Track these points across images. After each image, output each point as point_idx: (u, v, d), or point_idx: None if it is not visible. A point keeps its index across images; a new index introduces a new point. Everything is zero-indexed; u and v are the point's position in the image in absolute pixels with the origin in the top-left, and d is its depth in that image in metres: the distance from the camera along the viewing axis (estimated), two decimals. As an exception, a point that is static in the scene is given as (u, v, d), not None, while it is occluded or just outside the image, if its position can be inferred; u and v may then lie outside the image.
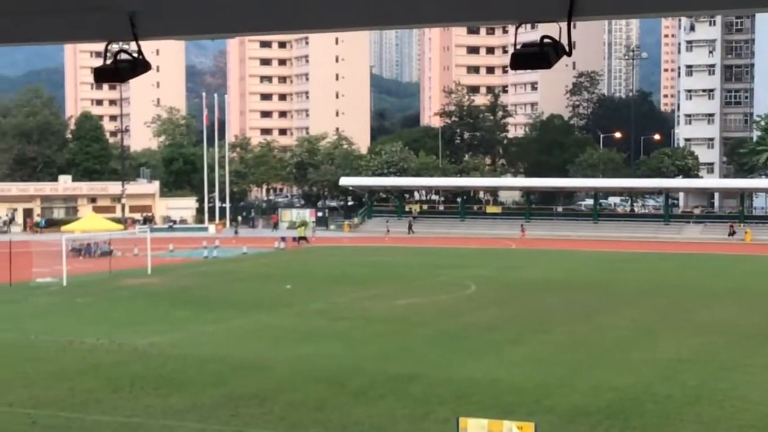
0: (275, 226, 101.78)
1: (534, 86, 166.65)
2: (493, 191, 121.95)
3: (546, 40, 7.71)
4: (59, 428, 22.42)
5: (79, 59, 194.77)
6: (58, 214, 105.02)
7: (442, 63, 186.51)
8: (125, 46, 8.64)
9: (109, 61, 7.94)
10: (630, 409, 24.08)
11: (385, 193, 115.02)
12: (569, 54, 7.77)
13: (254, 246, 79.93)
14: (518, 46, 7.96)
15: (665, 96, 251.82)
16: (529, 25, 7.81)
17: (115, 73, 8.23)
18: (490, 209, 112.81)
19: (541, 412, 23.06)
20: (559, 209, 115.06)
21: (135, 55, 7.89)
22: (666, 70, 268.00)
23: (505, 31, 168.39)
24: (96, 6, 7.41)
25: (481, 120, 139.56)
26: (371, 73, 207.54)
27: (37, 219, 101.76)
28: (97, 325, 38.14)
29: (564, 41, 7.72)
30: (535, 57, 7.89)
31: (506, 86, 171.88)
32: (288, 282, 53.76)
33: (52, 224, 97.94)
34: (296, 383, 27.31)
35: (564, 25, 7.49)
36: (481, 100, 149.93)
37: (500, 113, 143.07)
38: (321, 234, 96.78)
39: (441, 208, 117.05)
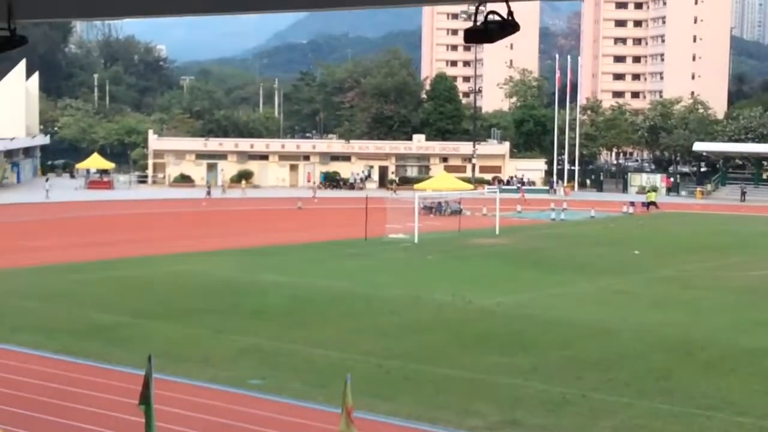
0: (670, 190, 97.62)
1: None
2: None
3: None
4: (410, 379, 23.17)
5: (436, 21, 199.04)
6: (411, 172, 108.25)
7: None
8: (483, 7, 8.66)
9: (479, 23, 8.02)
10: None
11: (741, 159, 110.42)
12: None
13: (602, 210, 79.09)
14: None
15: None
16: None
17: (485, 34, 8.30)
18: None
19: None
20: None
21: (504, 16, 7.92)
22: None
23: None
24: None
25: None
26: (731, 35, 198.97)
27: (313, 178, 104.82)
28: (445, 282, 39.07)
29: None
30: None
31: None
32: (636, 247, 52.92)
33: (405, 182, 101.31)
34: (642, 351, 26.84)
35: None
36: None
37: None
38: (671, 200, 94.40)
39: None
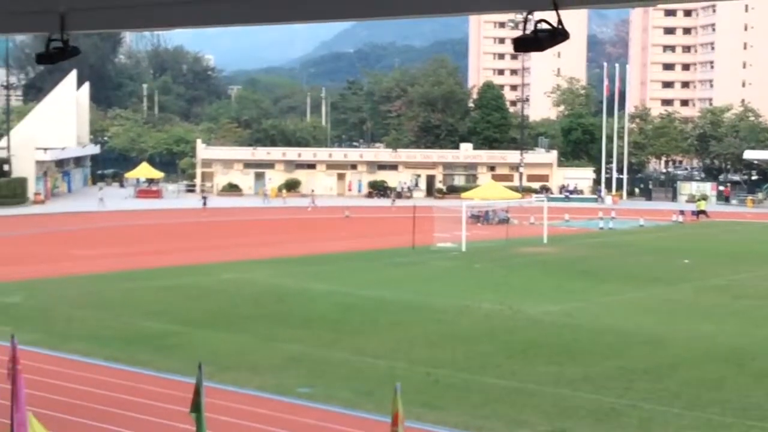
0: (727, 199, 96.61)
1: None
2: None
3: None
4: (458, 388, 23.13)
5: (483, 30, 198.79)
6: (459, 181, 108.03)
7: None
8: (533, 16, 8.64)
9: (528, 31, 8.01)
10: None
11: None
12: None
13: (651, 218, 78.51)
14: None
15: None
16: None
17: (535, 42, 8.29)
18: None
19: None
20: None
21: (555, 24, 7.91)
22: None
23: None
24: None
25: None
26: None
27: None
28: (493, 291, 38.98)
29: None
30: None
31: None
32: (686, 256, 52.44)
33: (453, 191, 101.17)
34: (693, 360, 26.62)
35: None
36: None
37: None
38: (722, 209, 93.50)
39: None
